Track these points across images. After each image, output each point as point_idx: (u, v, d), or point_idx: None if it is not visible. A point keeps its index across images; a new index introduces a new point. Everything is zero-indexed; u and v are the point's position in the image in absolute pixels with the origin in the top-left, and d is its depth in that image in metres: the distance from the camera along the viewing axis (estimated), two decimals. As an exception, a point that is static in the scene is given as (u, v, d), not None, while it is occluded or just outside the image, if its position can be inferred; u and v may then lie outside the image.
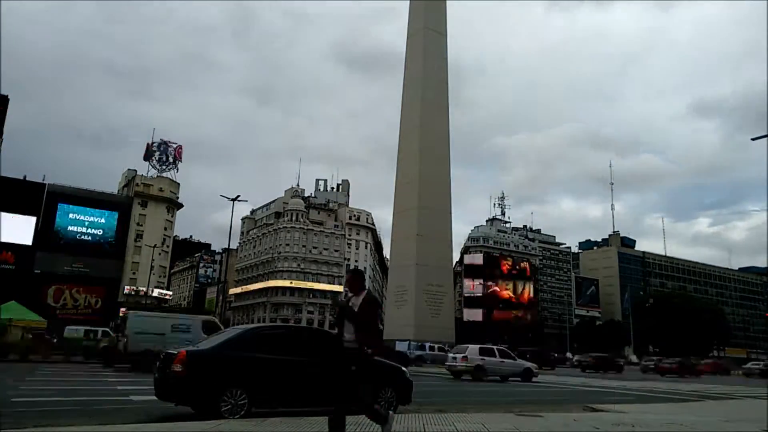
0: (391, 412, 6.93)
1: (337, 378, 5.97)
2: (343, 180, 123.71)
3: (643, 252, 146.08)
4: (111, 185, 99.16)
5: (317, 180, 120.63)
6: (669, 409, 12.60)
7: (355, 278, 6.27)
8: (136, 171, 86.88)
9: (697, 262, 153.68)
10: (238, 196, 44.01)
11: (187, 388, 8.15)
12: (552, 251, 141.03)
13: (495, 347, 25.09)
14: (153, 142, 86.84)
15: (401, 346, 33.98)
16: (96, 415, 9.09)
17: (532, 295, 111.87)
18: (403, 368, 10.53)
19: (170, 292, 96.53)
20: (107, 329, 35.09)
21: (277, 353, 8.88)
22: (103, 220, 75.11)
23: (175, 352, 8.46)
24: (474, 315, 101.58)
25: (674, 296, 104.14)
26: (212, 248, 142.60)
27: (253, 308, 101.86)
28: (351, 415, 8.82)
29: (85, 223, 73.60)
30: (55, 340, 32.81)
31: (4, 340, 26.43)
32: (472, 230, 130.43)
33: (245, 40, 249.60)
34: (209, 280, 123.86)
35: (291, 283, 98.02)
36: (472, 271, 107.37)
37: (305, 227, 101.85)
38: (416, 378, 19.61)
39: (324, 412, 8.88)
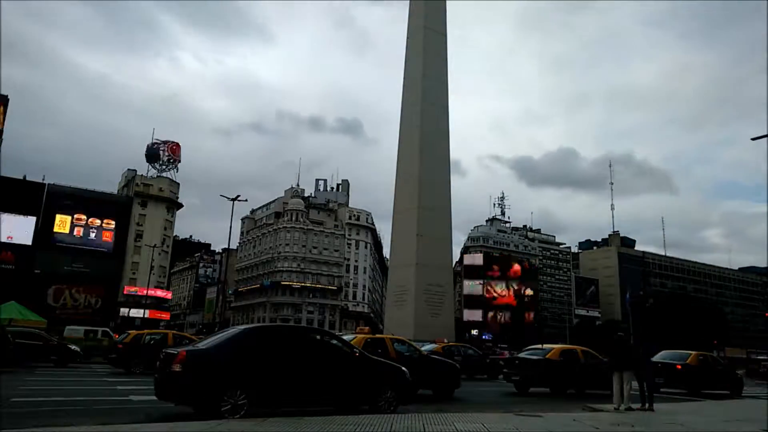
0: None
1: None
2: (342, 180, 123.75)
3: (643, 252, 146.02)
4: (111, 185, 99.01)
5: (317, 180, 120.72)
6: (669, 409, 12.59)
7: None
8: (135, 171, 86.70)
9: (696, 262, 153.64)
10: (238, 196, 43.57)
11: (186, 387, 8.14)
12: (552, 251, 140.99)
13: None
14: (153, 142, 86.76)
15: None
16: (96, 415, 9.09)
17: (532, 295, 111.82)
18: (404, 368, 10.55)
19: (170, 292, 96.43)
20: (107, 329, 35.11)
21: (276, 353, 8.88)
22: (102, 221, 75.01)
23: (175, 352, 8.44)
24: (474, 315, 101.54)
25: (674, 296, 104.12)
26: (212, 248, 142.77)
27: (253, 308, 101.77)
28: (352, 415, 8.85)
29: (85, 223, 73.52)
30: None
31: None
32: (472, 230, 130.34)
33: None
34: (209, 280, 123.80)
35: (291, 283, 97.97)
36: (471, 271, 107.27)
37: (305, 227, 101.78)
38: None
39: (323, 412, 8.90)
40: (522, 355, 17.94)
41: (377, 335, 16.64)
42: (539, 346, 19.16)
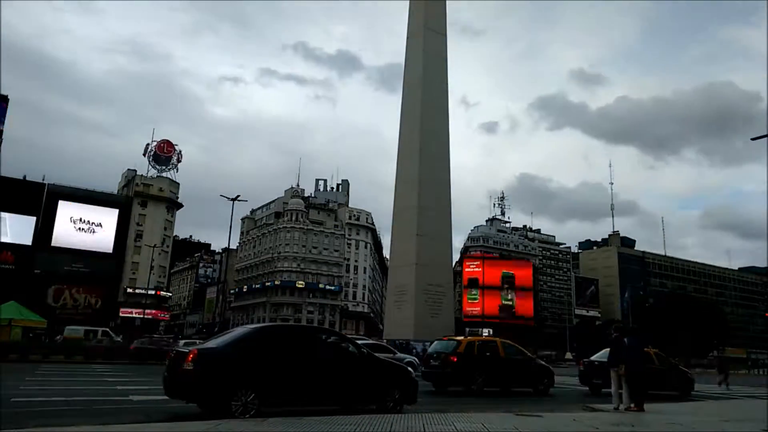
0: None
1: None
2: (343, 180, 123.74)
3: (643, 252, 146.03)
4: (111, 185, 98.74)
5: (317, 180, 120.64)
6: (668, 409, 12.59)
7: None
8: (135, 171, 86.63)
9: (696, 262, 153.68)
10: (238, 196, 43.68)
11: (198, 386, 8.16)
12: (552, 251, 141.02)
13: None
14: (153, 142, 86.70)
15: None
16: (96, 415, 9.09)
17: (531, 294, 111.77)
18: (409, 369, 10.64)
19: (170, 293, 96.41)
20: (107, 329, 35.19)
21: (287, 352, 8.92)
22: (103, 220, 75.01)
23: (187, 351, 8.49)
24: (473, 315, 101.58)
25: (674, 296, 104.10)
26: (212, 248, 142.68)
27: (252, 308, 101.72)
28: (352, 415, 8.85)
29: (85, 223, 73.51)
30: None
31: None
32: (472, 230, 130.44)
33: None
34: (209, 280, 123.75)
35: (290, 283, 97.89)
36: (471, 271, 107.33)
37: (305, 227, 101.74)
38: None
39: (333, 411, 8.92)
40: None
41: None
42: None
